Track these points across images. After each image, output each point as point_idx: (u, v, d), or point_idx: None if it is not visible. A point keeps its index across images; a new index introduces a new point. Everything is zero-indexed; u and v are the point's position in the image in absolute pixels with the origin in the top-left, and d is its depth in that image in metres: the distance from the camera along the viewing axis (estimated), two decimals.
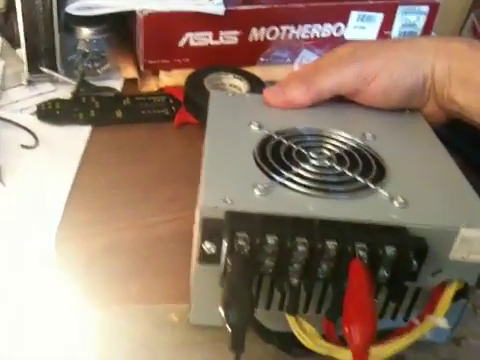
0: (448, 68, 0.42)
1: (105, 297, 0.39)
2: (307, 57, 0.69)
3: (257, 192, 0.33)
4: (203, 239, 0.32)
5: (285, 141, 0.39)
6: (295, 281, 0.32)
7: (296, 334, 0.33)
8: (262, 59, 0.67)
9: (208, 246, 0.32)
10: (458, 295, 0.35)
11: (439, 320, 0.33)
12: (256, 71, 0.64)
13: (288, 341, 0.34)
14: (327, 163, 0.37)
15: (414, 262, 0.32)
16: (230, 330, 0.27)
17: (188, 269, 0.37)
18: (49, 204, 0.47)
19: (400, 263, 0.31)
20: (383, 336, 0.34)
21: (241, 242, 0.31)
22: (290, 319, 0.33)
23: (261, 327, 0.34)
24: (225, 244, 0.30)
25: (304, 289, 0.33)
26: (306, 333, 0.33)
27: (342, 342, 0.32)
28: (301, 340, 0.33)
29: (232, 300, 0.27)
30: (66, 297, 0.39)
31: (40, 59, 0.60)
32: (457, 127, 0.57)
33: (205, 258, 0.32)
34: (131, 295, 0.40)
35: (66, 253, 0.43)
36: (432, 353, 0.38)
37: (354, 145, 0.40)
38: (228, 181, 0.34)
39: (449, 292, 0.34)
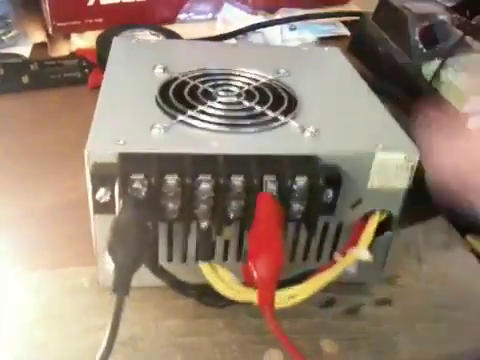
0: None
1: (13, 267, 0.36)
2: (229, 12, 0.66)
3: (155, 132, 0.30)
4: (95, 186, 0.28)
5: (191, 81, 0.36)
6: (204, 224, 0.30)
7: (211, 282, 0.30)
8: (181, 16, 0.63)
9: (101, 193, 0.28)
10: (383, 228, 0.33)
11: (361, 252, 0.31)
12: (176, 29, 0.60)
13: (208, 292, 0.32)
14: (235, 99, 0.34)
15: (329, 192, 0.30)
16: (114, 269, 0.24)
17: None
18: None
19: (313, 194, 0.29)
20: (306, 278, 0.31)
21: (137, 185, 0.28)
22: (204, 267, 0.30)
23: (176, 281, 0.32)
24: (117, 189, 0.27)
25: (215, 232, 0.30)
26: (223, 281, 0.31)
27: None
28: (216, 288, 0.30)
29: (117, 240, 0.24)
30: None
31: None
32: (392, 77, 0.56)
33: (100, 207, 0.29)
34: (42, 263, 0.37)
35: None
36: (366, 294, 0.37)
37: (265, 81, 0.37)
38: (122, 123, 0.31)
39: (371, 223, 0.32)
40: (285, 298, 0.29)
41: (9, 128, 0.49)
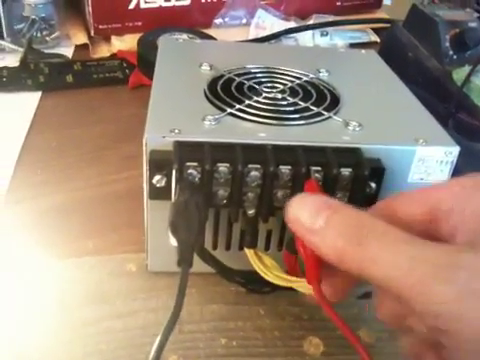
0: None
1: (61, 252, 0.38)
2: (263, 18, 0.68)
3: (207, 123, 0.32)
4: (152, 172, 0.30)
5: (236, 78, 0.37)
6: (251, 211, 0.31)
7: (255, 268, 0.32)
8: (217, 21, 0.65)
9: (158, 178, 0.30)
10: None
11: None
12: (212, 34, 0.62)
13: (251, 278, 0.33)
14: (279, 95, 0.36)
15: (372, 184, 0.31)
16: (178, 245, 0.26)
17: None
18: None
19: (357, 185, 0.30)
20: None
21: (192, 171, 0.29)
22: (249, 253, 0.32)
23: (222, 266, 0.33)
24: (174, 174, 0.29)
25: (261, 220, 0.32)
26: (266, 267, 0.32)
27: (304, 275, 0.31)
28: (261, 273, 0.31)
29: (179, 218, 0.26)
30: (19, 253, 0.38)
31: None
32: (422, 83, 0.57)
33: (156, 193, 0.30)
34: (88, 249, 0.38)
35: (19, 212, 0.41)
36: None
37: (308, 79, 0.38)
38: (176, 113, 0.33)
39: None
40: None
41: (55, 123, 0.51)
